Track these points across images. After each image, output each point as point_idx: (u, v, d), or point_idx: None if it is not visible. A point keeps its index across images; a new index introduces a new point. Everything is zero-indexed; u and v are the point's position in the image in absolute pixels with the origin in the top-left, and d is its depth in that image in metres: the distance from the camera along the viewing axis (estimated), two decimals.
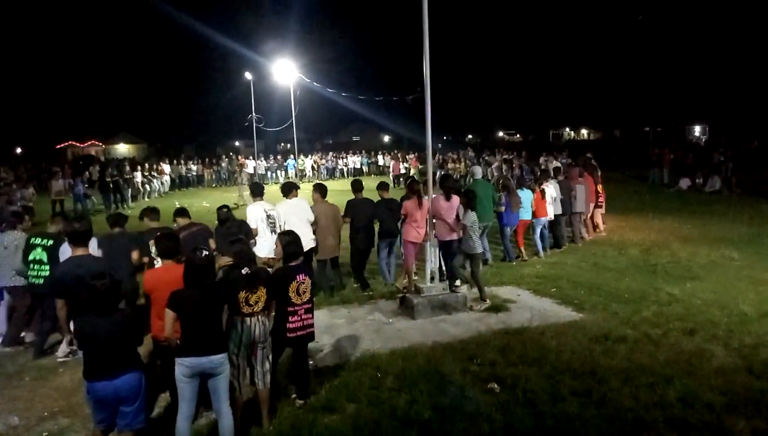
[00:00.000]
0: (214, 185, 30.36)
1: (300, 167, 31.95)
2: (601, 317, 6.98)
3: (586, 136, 67.30)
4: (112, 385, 3.71)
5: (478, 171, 11.79)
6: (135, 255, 6.11)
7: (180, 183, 28.53)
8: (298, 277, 4.71)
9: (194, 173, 29.59)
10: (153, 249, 6.54)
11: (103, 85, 71.47)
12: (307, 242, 7.51)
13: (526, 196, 10.10)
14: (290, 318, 4.70)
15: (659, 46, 47.59)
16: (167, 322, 3.99)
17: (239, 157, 31.67)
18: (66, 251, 5.79)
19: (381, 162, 35.10)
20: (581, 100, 59.35)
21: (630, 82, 50.21)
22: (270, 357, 4.63)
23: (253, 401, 4.61)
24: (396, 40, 75.35)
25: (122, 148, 58.00)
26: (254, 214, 7.60)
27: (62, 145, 55.43)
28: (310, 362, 5.43)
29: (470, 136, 69.47)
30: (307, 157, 33.65)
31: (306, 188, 14.02)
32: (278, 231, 7.41)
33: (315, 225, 7.87)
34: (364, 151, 37.50)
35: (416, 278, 7.95)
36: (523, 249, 10.32)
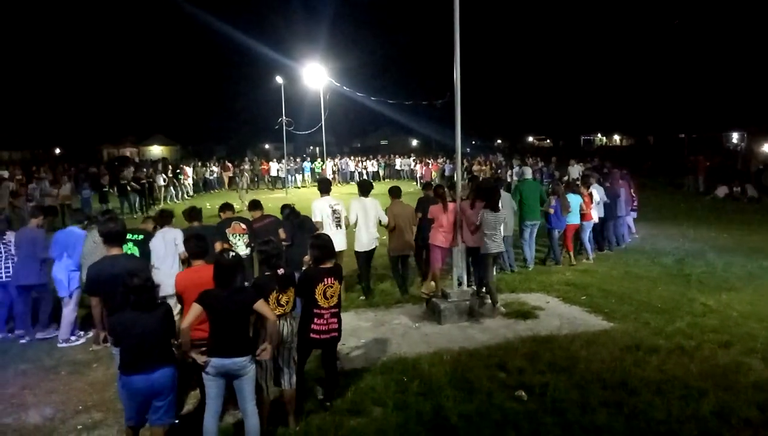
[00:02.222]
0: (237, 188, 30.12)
1: (317, 170, 31.97)
2: (632, 326, 6.83)
3: (618, 142, 66.10)
4: (149, 379, 3.83)
5: (528, 171, 11.84)
6: (218, 246, 6.41)
7: (204, 186, 28.36)
8: (326, 280, 4.73)
9: (216, 176, 29.39)
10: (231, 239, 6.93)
11: (139, 89, 73.16)
12: (372, 241, 7.93)
13: (574, 200, 10.19)
14: (315, 320, 4.73)
15: (696, 51, 46.48)
16: (190, 314, 4.02)
17: (262, 160, 31.93)
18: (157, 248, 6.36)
19: (398, 166, 34.89)
20: (614, 106, 58.22)
21: (665, 87, 49.13)
22: (296, 358, 4.67)
23: (280, 402, 4.65)
24: (426, 44, 75.24)
25: (156, 150, 59.20)
26: (319, 208, 7.76)
27: (99, 146, 56.99)
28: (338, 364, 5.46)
29: (499, 141, 68.90)
30: (327, 160, 33.60)
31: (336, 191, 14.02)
32: (344, 226, 7.72)
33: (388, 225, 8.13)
34: (379, 156, 37.47)
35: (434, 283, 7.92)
36: (572, 253, 10.41)
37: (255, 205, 7.61)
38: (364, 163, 34.65)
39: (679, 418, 4.60)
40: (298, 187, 29.99)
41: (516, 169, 22.33)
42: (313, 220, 7.60)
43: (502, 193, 9.77)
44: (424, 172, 28.27)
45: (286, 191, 27.67)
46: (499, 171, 28.19)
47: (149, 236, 6.53)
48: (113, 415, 4.91)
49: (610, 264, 10.29)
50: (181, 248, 6.32)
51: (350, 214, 7.96)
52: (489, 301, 7.47)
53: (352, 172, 33.66)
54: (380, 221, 8.13)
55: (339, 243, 7.66)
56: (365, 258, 8.16)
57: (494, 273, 7.70)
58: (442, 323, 7.09)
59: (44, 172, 26.71)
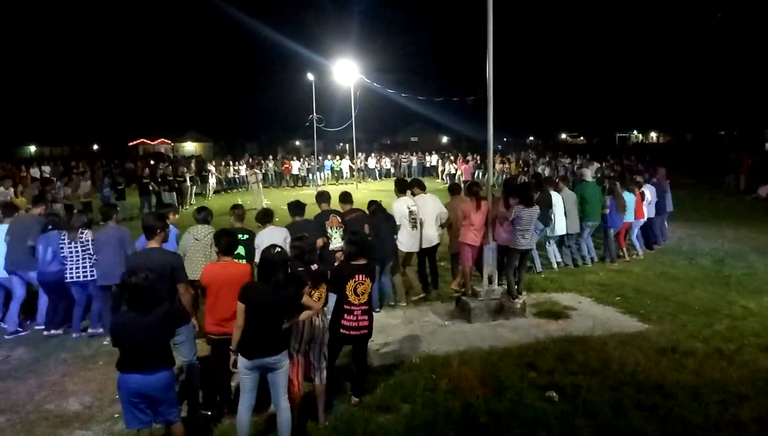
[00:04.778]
0: (251, 187, 29.32)
1: (336, 169, 31.95)
2: (668, 328, 6.67)
3: (655, 139, 64.48)
4: (146, 379, 3.75)
5: (588, 173, 11.79)
6: (320, 242, 6.66)
7: (228, 185, 27.90)
8: (357, 276, 4.75)
9: (241, 175, 28.48)
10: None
11: (173, 86, 74.79)
12: (434, 237, 8.02)
13: (629, 199, 10.27)
14: (345, 316, 4.76)
15: (738, 46, 44.93)
16: (238, 314, 4.10)
17: (284, 158, 31.93)
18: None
19: (414, 163, 34.47)
20: (651, 102, 56.80)
21: (705, 83, 47.67)
22: (326, 354, 4.70)
23: (310, 396, 4.70)
24: (457, 39, 74.70)
25: (189, 147, 60.35)
26: (398, 210, 7.89)
27: (134, 142, 58.41)
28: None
29: (531, 138, 67.98)
30: (342, 158, 33.51)
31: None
32: (419, 226, 7.82)
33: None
34: (397, 153, 37.30)
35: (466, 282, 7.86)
36: (625, 250, 10.44)
37: (345, 197, 7.71)
38: (383, 162, 34.47)
39: (718, 424, 4.47)
40: (319, 186, 28.41)
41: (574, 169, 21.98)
42: (396, 221, 7.75)
43: (567, 191, 9.96)
44: (463, 170, 27.26)
45: (316, 187, 27.63)
46: (526, 168, 27.93)
47: (254, 235, 6.58)
48: None
49: (645, 264, 10.06)
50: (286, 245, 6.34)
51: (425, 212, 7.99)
52: (519, 298, 7.36)
53: (372, 170, 33.51)
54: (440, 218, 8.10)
55: (414, 243, 7.85)
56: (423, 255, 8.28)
57: (523, 273, 7.56)
58: (472, 322, 7.04)
59: (82, 168, 27.54)
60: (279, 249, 4.23)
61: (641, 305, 7.58)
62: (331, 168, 31.78)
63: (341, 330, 4.77)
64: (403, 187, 8.29)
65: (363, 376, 5.07)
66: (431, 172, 33.06)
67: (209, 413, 4.82)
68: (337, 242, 7.05)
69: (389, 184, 28.62)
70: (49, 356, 6.34)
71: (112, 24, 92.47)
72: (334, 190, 8.48)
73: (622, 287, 8.48)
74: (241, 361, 4.13)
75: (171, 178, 20.68)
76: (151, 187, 19.13)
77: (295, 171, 30.06)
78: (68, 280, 6.78)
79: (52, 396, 5.33)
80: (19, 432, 4.72)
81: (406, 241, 7.80)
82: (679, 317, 7.07)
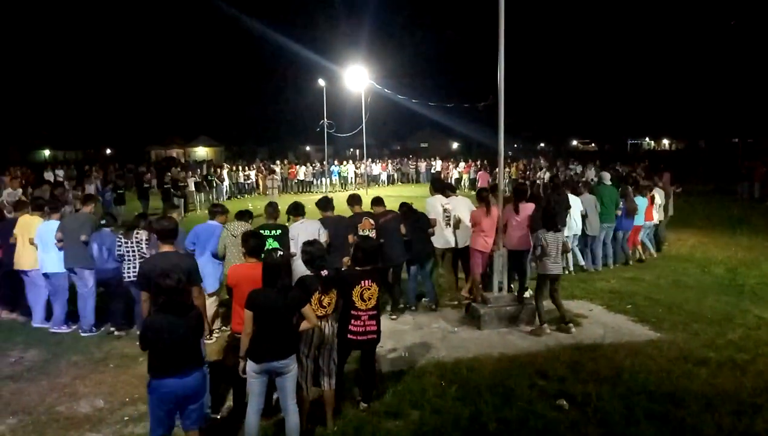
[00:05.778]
0: (267, 193, 28.05)
1: (343, 175, 31.96)
2: (680, 337, 6.59)
3: (667, 146, 64.01)
4: (182, 383, 3.74)
5: (606, 176, 11.81)
6: (351, 239, 6.88)
7: (238, 190, 27.80)
8: (363, 282, 4.75)
9: (253, 180, 28.80)
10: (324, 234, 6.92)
11: (185, 91, 75.44)
12: (468, 238, 8.01)
13: (641, 202, 10.54)
14: (353, 321, 4.76)
15: (751, 52, 44.52)
16: (246, 322, 4.10)
17: (291, 164, 31.91)
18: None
19: (422, 169, 34.55)
20: (663, 108, 56.42)
21: (718, 89, 47.26)
22: (336, 359, 4.70)
23: (319, 402, 4.69)
24: (468, 45, 74.72)
25: (201, 152, 60.71)
26: (432, 205, 8.06)
27: (147, 147, 58.94)
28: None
29: (542, 145, 67.73)
30: (348, 163, 33.52)
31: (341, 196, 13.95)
32: (452, 225, 7.92)
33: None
34: (399, 159, 37.36)
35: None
36: (639, 248, 10.83)
37: (377, 201, 7.81)
38: (387, 168, 34.57)
39: (731, 434, 4.41)
40: (324, 193, 28.14)
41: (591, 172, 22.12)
42: (429, 216, 7.87)
43: (587, 196, 10.05)
44: (479, 177, 26.85)
45: (332, 190, 27.58)
46: (528, 172, 27.87)
47: (287, 229, 6.75)
48: None
49: (657, 272, 9.97)
50: (324, 238, 6.56)
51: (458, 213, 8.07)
52: (531, 305, 7.29)
53: (377, 176, 33.50)
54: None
55: (449, 241, 7.95)
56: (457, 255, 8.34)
57: (559, 300, 7.19)
58: (482, 329, 7.01)
59: (95, 172, 27.81)
60: (281, 253, 4.24)
61: (653, 314, 7.51)
62: (338, 174, 31.80)
63: (348, 335, 4.77)
64: (438, 186, 8.44)
65: (372, 381, 5.06)
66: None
67: (218, 416, 4.83)
68: None
69: (395, 190, 28.68)
70: (60, 358, 6.39)
71: (123, 30, 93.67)
72: (341, 196, 8.52)
73: (634, 295, 8.41)
74: (250, 364, 4.14)
75: (168, 184, 19.86)
76: (150, 193, 18.88)
77: (301, 176, 30.11)
78: (127, 279, 6.77)
79: (64, 398, 5.37)
80: (30, 433, 4.75)
81: (440, 237, 7.90)
82: (691, 325, 6.99)
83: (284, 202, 8.24)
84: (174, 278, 3.73)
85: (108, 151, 60.58)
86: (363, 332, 4.79)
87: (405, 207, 7.84)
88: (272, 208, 6.96)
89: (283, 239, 6.56)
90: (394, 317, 7.46)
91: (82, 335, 7.05)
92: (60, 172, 28.91)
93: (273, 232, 6.62)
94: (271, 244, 6.42)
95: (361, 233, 7.23)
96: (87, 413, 5.06)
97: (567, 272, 9.81)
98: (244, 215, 6.99)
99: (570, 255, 9.93)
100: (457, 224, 7.98)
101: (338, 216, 7.39)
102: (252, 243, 4.81)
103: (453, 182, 28.40)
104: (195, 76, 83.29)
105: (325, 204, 7.28)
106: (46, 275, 7.26)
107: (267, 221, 6.89)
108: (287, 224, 6.99)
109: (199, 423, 3.98)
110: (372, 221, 7.44)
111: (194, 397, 3.86)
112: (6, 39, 59.45)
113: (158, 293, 3.77)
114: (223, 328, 7.05)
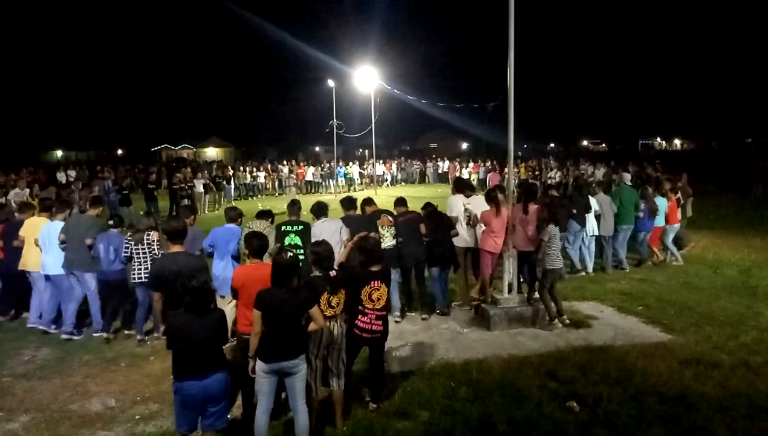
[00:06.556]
0: (277, 194, 28.72)
1: (349, 176, 31.88)
2: (692, 339, 6.54)
3: (679, 146, 63.45)
4: (202, 384, 3.80)
5: (627, 177, 11.83)
6: (372, 235, 6.71)
7: (246, 191, 27.66)
8: (372, 282, 4.76)
9: (261, 181, 28.63)
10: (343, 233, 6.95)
11: (197, 92, 75.97)
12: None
13: (662, 204, 10.47)
14: (360, 317, 4.80)
15: (765, 51, 44.02)
16: (254, 322, 4.11)
17: (298, 164, 31.96)
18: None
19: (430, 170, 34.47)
20: (675, 108, 55.93)
21: (731, 89, 46.78)
22: (344, 359, 4.71)
23: (328, 402, 4.70)
24: (477, 45, 74.62)
25: (211, 152, 61.04)
26: (454, 203, 8.09)
27: (158, 148, 59.34)
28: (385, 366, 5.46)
29: (552, 145, 67.38)
30: (353, 165, 33.45)
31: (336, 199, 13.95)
32: (471, 224, 7.91)
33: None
34: (401, 159, 37.34)
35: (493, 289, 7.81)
36: (657, 250, 10.75)
37: (400, 201, 7.90)
38: (392, 169, 34.52)
39: None
40: (332, 193, 27.43)
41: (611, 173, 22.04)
42: (449, 214, 7.91)
43: (602, 196, 10.07)
44: (490, 178, 26.52)
45: (338, 191, 27.59)
46: (537, 172, 27.73)
47: (308, 226, 6.84)
48: (169, 407, 5.06)
49: (668, 274, 9.89)
50: (345, 236, 6.62)
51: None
52: (541, 306, 7.27)
53: (380, 176, 33.32)
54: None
55: (468, 240, 7.94)
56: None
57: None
58: (492, 330, 6.99)
59: (107, 172, 28.04)
60: (291, 254, 4.25)
61: (664, 315, 7.45)
62: (345, 175, 31.85)
63: (355, 330, 4.81)
64: (460, 185, 8.48)
65: (381, 381, 5.06)
66: (443, 178, 33.14)
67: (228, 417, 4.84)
68: (387, 241, 7.25)
69: (396, 191, 28.60)
70: (72, 356, 6.45)
71: (134, 32, 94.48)
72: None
73: (645, 297, 8.35)
74: (259, 364, 4.15)
75: (176, 185, 19.98)
76: (156, 193, 18.92)
77: (309, 177, 30.17)
78: (134, 281, 6.80)
79: (75, 396, 5.42)
80: (43, 431, 4.80)
81: (461, 236, 7.91)
82: (703, 327, 6.93)
83: (284, 202, 8.29)
84: (200, 280, 3.81)
85: (120, 151, 61.10)
86: (369, 330, 4.82)
87: (430, 207, 7.86)
88: (296, 206, 7.12)
89: (305, 236, 6.68)
90: (425, 316, 7.50)
91: (94, 335, 7.09)
92: (72, 173, 29.19)
93: (295, 227, 6.75)
94: (292, 239, 6.54)
95: (380, 229, 7.28)
96: (99, 412, 5.11)
97: (585, 273, 9.85)
98: (265, 215, 7.07)
99: (587, 255, 9.94)
100: (475, 223, 7.98)
101: (359, 215, 7.50)
102: (255, 244, 4.83)
103: None
104: (206, 77, 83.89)
105: (348, 203, 7.42)
106: (47, 277, 7.22)
107: (290, 217, 7.00)
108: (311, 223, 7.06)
109: (216, 425, 3.99)
110: (391, 218, 7.48)
111: (215, 399, 3.90)
112: (22, 42, 60.20)
113: (183, 294, 3.83)
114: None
